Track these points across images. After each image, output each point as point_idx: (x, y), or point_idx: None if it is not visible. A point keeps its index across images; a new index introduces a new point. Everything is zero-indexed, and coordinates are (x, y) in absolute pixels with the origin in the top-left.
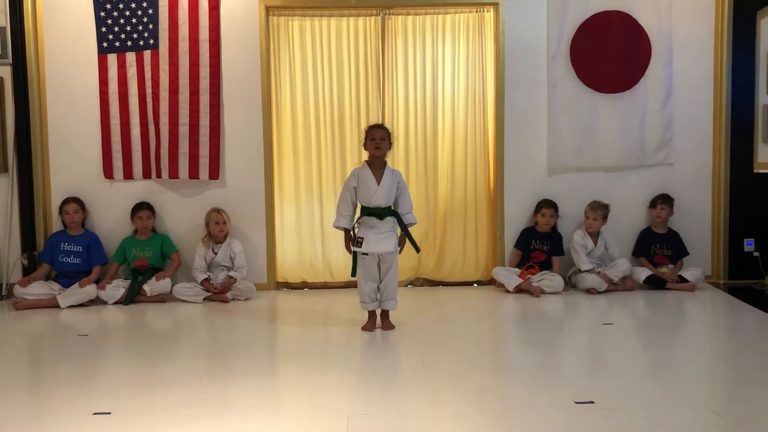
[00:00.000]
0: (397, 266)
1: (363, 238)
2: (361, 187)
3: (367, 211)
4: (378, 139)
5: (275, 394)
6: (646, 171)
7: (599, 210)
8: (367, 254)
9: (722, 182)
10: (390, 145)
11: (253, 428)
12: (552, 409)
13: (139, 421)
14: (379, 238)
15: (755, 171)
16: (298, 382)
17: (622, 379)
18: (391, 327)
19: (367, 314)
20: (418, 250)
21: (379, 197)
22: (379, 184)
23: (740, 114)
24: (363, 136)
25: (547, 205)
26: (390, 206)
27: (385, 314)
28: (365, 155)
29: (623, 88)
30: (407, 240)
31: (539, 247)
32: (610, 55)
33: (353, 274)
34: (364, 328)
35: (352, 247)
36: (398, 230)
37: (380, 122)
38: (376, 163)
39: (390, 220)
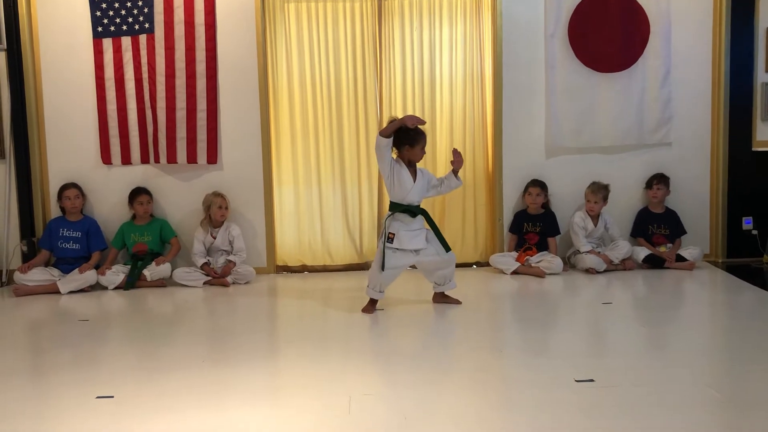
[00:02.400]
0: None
1: (394, 234)
2: (397, 180)
3: (401, 208)
4: (425, 146)
5: (277, 377)
6: (645, 150)
7: (600, 192)
8: (398, 249)
9: (721, 161)
10: None
11: (255, 411)
12: (552, 387)
13: (142, 404)
14: (412, 235)
15: (754, 149)
16: (300, 364)
17: (622, 357)
18: (458, 302)
19: (368, 297)
20: (448, 249)
21: (414, 194)
22: (415, 182)
23: (739, 92)
24: (393, 130)
25: (533, 184)
26: (420, 204)
27: (442, 294)
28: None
29: (622, 67)
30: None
31: (531, 228)
32: (608, 34)
33: (382, 269)
34: (364, 310)
35: (385, 243)
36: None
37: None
38: (408, 164)
39: (420, 219)
